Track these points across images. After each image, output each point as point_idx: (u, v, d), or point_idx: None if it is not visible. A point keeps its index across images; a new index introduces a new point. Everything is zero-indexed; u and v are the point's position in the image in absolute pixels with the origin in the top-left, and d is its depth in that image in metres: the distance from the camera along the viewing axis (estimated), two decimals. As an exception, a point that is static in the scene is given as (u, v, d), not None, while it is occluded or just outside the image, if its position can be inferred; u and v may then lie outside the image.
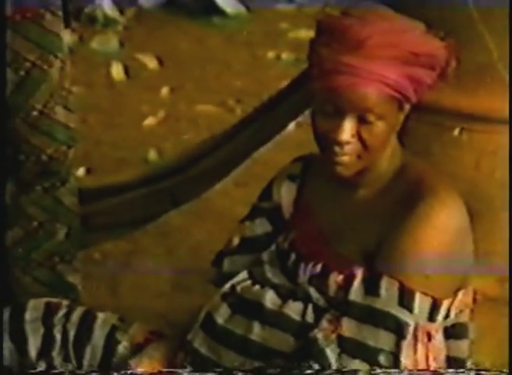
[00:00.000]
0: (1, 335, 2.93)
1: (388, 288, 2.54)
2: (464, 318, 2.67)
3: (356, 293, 2.58)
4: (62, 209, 3.98)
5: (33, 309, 2.94)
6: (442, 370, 2.71)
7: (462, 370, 2.78)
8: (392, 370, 2.58)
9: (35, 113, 3.81)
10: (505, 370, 2.87)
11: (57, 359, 2.87)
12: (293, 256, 2.79)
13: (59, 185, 3.94)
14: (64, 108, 3.86)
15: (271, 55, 6.57)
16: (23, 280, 3.96)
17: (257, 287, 2.80)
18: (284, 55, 6.56)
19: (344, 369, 2.59)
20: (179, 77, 6.51)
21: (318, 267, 2.70)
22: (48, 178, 3.90)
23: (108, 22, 7.28)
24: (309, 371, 2.63)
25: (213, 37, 7.00)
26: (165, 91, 6.29)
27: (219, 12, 7.33)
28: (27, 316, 2.92)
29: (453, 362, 2.72)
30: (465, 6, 3.05)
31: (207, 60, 6.45)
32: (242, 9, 7.43)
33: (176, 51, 6.75)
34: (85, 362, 2.89)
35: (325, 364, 2.60)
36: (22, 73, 3.76)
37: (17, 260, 4.02)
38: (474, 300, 2.73)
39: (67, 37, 3.90)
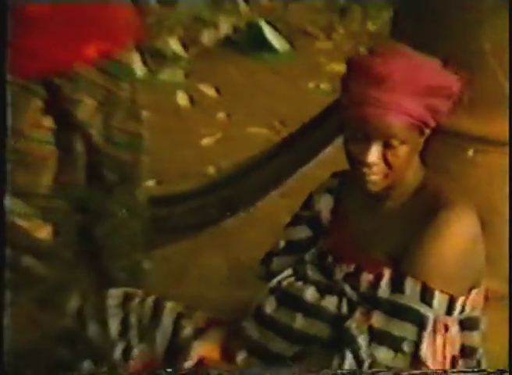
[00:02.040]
0: (1, 335, 2.89)
1: (411, 287, 2.53)
2: (477, 312, 2.63)
3: (384, 290, 2.57)
4: (136, 212, 4.02)
5: (114, 297, 2.94)
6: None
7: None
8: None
9: (115, 131, 3.83)
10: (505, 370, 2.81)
11: (133, 340, 2.87)
12: (330, 257, 2.77)
13: (133, 190, 3.98)
14: (136, 128, 3.88)
15: (311, 85, 6.56)
16: (109, 268, 3.99)
17: (299, 283, 2.77)
18: (322, 85, 6.55)
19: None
20: (233, 104, 6.51)
21: (352, 267, 2.68)
22: (125, 184, 3.94)
23: (175, 57, 7.24)
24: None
25: (262, 70, 6.99)
26: (221, 115, 6.31)
27: (269, 48, 7.30)
28: (109, 302, 2.92)
29: (466, 350, 2.66)
30: (477, 41, 2.98)
31: (257, 89, 6.44)
32: (287, 46, 7.40)
33: (231, 82, 6.75)
34: (156, 344, 2.86)
35: (356, 350, 2.55)
36: (99, 98, 3.77)
37: (105, 251, 4.04)
38: (486, 297, 2.70)
39: (140, 69, 3.92)
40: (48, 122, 3.80)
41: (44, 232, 3.90)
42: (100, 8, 3.76)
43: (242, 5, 7.28)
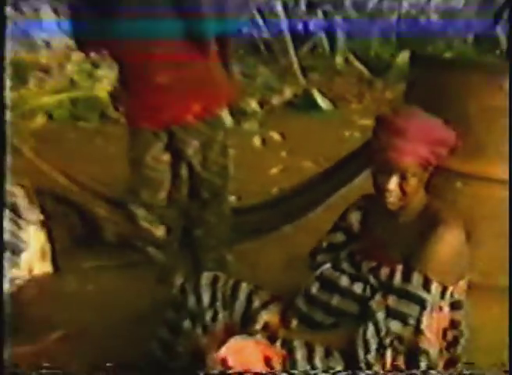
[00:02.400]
0: (2, 335, 2.83)
1: (416, 278, 2.56)
2: (462, 297, 2.69)
3: (397, 280, 2.59)
4: (223, 219, 4.08)
5: (206, 278, 2.96)
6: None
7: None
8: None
9: (211, 163, 3.94)
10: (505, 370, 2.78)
11: (219, 309, 2.89)
12: (358, 256, 2.80)
13: (221, 204, 4.05)
14: (225, 162, 3.98)
15: (347, 134, 6.53)
16: (203, 258, 4.04)
17: (336, 273, 2.79)
18: (355, 134, 6.52)
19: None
20: (292, 146, 6.50)
21: (374, 263, 2.70)
22: (215, 199, 4.02)
23: (253, 113, 7.24)
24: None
25: (313, 123, 6.96)
26: (283, 153, 6.30)
27: (318, 108, 7.27)
28: (203, 281, 2.95)
29: (454, 323, 2.69)
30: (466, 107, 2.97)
31: (309, 136, 6.42)
32: (331, 107, 7.38)
33: (292, 130, 6.73)
34: (235, 312, 2.89)
35: (376, 323, 2.58)
36: (201, 140, 3.86)
37: (200, 246, 4.08)
38: (469, 286, 2.73)
39: (229, 120, 3.96)
40: (166, 157, 3.87)
41: (160, 231, 3.98)
42: (206, 76, 3.80)
43: (300, 78, 7.29)
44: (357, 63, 7.81)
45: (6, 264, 3.41)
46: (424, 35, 8.23)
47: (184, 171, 3.96)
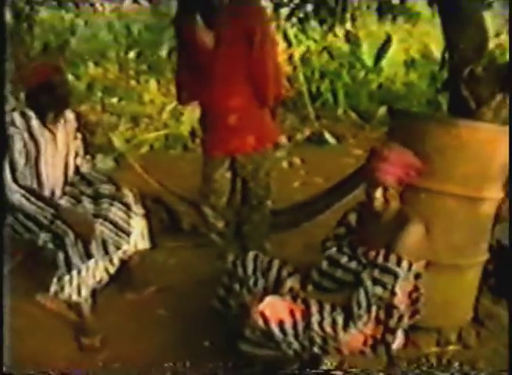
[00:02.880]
0: (1, 336, 2.65)
1: (393, 258, 2.50)
2: (422, 270, 2.61)
3: (380, 259, 2.54)
4: (264, 218, 3.94)
5: (250, 256, 2.91)
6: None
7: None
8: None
9: (259, 180, 3.81)
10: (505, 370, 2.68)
11: (259, 277, 2.83)
12: (355, 243, 2.73)
13: (264, 207, 3.91)
14: (267, 179, 3.87)
15: (345, 160, 6.38)
16: (249, 245, 3.83)
17: (339, 254, 2.71)
18: (351, 161, 6.38)
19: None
20: (308, 168, 6.37)
21: (365, 248, 2.64)
22: (261, 204, 3.90)
23: (283, 144, 7.01)
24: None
25: (323, 154, 6.76)
26: (302, 172, 6.18)
27: (327, 144, 7.09)
28: (248, 258, 2.90)
29: (416, 288, 2.60)
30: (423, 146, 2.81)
31: (320, 160, 6.23)
32: (335, 141, 7.21)
33: (309, 157, 6.59)
34: (269, 280, 2.81)
35: (365, 288, 2.51)
36: (254, 165, 3.77)
37: (247, 237, 3.96)
38: (426, 264, 2.65)
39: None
40: (228, 174, 3.77)
41: (221, 224, 3.87)
42: (262, 120, 3.72)
43: (315, 122, 7.19)
44: (352, 114, 7.70)
45: (121, 241, 3.33)
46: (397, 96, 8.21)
47: (238, 185, 3.88)
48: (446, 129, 2.82)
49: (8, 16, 8.44)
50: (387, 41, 7.03)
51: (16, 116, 3.30)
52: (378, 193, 2.57)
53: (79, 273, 3.13)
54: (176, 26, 3.69)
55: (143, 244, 3.45)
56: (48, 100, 3.28)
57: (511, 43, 3.35)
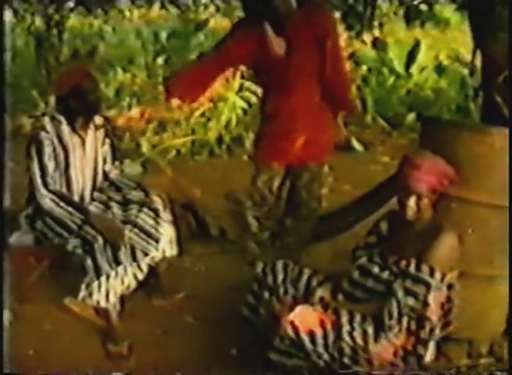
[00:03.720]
0: (1, 336, 2.64)
1: (425, 268, 2.48)
2: (455, 281, 2.59)
3: (412, 269, 2.51)
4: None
5: (280, 264, 2.89)
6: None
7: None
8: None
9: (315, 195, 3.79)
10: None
11: (289, 286, 2.81)
12: (386, 252, 2.67)
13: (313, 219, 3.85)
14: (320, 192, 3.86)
15: (373, 167, 6.29)
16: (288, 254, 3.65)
17: (370, 264, 2.68)
18: (378, 168, 6.29)
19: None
20: (337, 174, 6.31)
21: (397, 257, 2.60)
22: (309, 217, 3.84)
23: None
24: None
25: (350, 159, 6.69)
26: (330, 179, 6.10)
27: (354, 149, 7.03)
28: (278, 266, 2.88)
29: (449, 299, 2.58)
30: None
31: (348, 167, 6.13)
32: (363, 148, 7.15)
33: (337, 164, 6.55)
34: (299, 289, 2.79)
35: (397, 298, 2.49)
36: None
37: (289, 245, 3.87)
38: (460, 274, 2.61)
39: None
40: (277, 181, 3.72)
41: (265, 236, 3.83)
42: (325, 129, 3.65)
43: (343, 130, 7.13)
44: (380, 120, 7.63)
45: (149, 248, 3.33)
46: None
47: (284, 194, 3.80)
48: (479, 137, 2.79)
49: (39, 23, 8.63)
50: (416, 46, 6.94)
51: (47, 121, 3.35)
52: (412, 201, 2.52)
53: (107, 278, 3.14)
54: (240, 35, 3.49)
55: (171, 250, 3.45)
56: (79, 105, 3.31)
57: (511, 42, 3.26)
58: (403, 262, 2.54)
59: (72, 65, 7.48)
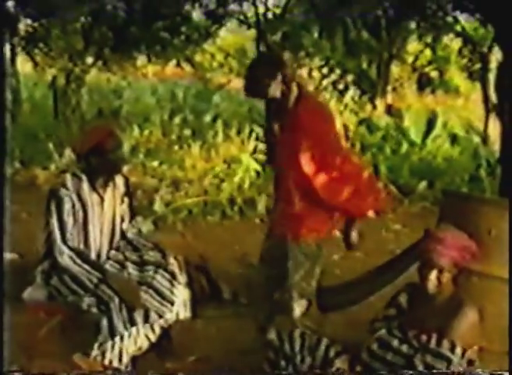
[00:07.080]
0: (1, 336, 2.65)
1: (446, 343, 2.50)
2: (475, 357, 2.66)
3: (432, 344, 2.52)
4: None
5: (298, 332, 2.88)
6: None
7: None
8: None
9: None
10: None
11: (306, 355, 2.79)
12: (406, 326, 2.70)
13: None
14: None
15: (384, 234, 6.24)
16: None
17: (390, 336, 2.71)
18: (390, 235, 6.27)
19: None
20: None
21: (417, 331, 2.61)
22: None
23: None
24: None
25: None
26: (342, 246, 6.13)
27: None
28: (295, 334, 2.87)
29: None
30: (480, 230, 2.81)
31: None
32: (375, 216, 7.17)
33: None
34: (317, 359, 2.78)
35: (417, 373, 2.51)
36: None
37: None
38: (480, 350, 2.66)
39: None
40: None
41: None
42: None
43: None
44: (392, 188, 7.70)
45: (164, 310, 3.32)
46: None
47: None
48: (500, 212, 2.86)
49: (59, 76, 8.81)
50: (434, 117, 7.08)
51: (68, 178, 3.39)
52: (433, 275, 2.59)
53: (121, 339, 3.15)
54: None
55: (185, 313, 3.46)
56: (100, 164, 3.38)
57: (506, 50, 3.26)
58: (424, 337, 2.56)
59: (96, 123, 7.60)
